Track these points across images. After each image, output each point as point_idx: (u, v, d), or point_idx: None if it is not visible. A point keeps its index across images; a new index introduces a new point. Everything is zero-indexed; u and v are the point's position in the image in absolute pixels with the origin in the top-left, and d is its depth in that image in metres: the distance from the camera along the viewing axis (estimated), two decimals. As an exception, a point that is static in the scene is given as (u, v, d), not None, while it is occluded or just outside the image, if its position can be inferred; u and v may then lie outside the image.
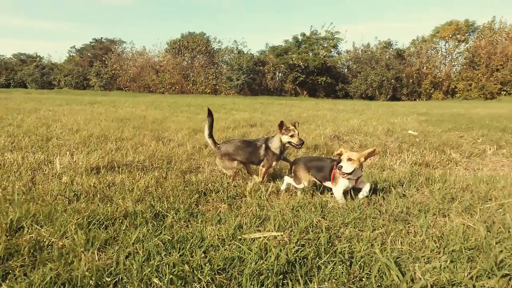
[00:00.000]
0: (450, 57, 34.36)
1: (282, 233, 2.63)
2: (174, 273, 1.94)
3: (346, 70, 47.03)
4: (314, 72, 46.54)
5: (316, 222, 2.96)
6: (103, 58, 54.77)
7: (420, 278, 1.87)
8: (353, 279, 1.98)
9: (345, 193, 3.84)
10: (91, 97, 29.88)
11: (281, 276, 1.91)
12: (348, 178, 3.72)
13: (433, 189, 4.17)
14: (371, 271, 2.06)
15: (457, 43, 33.38)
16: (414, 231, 2.84)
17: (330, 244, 2.48)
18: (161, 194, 3.74)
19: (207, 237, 2.49)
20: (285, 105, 22.51)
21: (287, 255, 2.16)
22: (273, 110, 17.19)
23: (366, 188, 3.85)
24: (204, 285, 1.86)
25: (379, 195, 4.00)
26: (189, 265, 2.03)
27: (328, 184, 3.97)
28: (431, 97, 32.23)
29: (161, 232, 2.65)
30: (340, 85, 43.85)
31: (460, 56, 33.67)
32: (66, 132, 7.98)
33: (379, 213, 3.34)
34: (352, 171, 3.64)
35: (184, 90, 51.16)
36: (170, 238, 2.48)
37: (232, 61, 49.94)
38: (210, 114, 4.77)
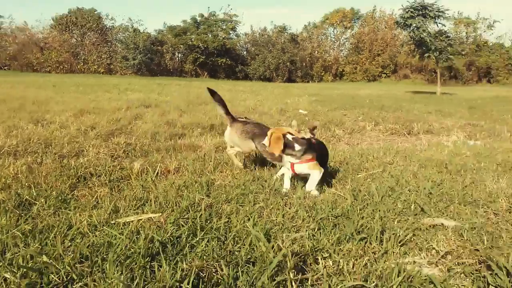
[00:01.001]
0: (338, 42, 36.89)
1: (161, 214, 2.55)
2: (29, 265, 1.75)
3: (245, 52, 47.57)
4: (214, 53, 46.27)
5: (199, 200, 2.93)
6: (-24, 34, 47.55)
7: (285, 247, 1.95)
8: (225, 254, 2.00)
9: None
10: (-42, 76, 25.84)
11: (148, 259, 1.84)
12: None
13: (314, 163, 4.43)
14: (244, 244, 2.10)
15: (344, 29, 35.92)
16: (291, 203, 2.97)
17: (209, 222, 2.47)
18: (32, 180, 3.37)
19: (75, 224, 2.29)
20: (184, 86, 22.04)
21: (160, 236, 2.09)
22: (171, 91, 16.72)
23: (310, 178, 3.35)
24: (63, 276, 1.71)
25: (265, 170, 4.14)
26: (48, 255, 1.85)
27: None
28: (322, 79, 34.42)
29: (23, 222, 2.38)
30: (239, 66, 44.31)
31: (346, 41, 36.36)
32: None
33: (262, 187, 3.44)
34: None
35: (73, 69, 47.08)
36: (32, 228, 2.24)
37: (128, 39, 47.25)
38: (213, 93, 4.33)
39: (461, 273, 1.90)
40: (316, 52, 36.31)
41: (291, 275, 1.74)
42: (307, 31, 38.34)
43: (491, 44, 30.51)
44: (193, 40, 47.50)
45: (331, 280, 1.77)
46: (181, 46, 48.45)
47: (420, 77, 29.42)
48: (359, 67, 32.43)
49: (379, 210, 2.73)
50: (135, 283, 1.65)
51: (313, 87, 22.40)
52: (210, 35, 47.74)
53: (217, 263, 1.84)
